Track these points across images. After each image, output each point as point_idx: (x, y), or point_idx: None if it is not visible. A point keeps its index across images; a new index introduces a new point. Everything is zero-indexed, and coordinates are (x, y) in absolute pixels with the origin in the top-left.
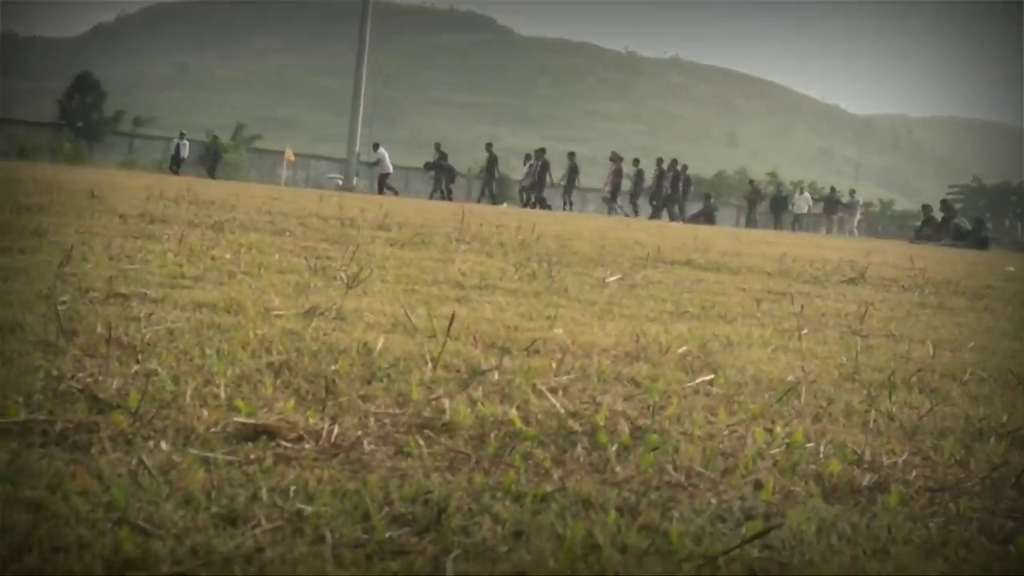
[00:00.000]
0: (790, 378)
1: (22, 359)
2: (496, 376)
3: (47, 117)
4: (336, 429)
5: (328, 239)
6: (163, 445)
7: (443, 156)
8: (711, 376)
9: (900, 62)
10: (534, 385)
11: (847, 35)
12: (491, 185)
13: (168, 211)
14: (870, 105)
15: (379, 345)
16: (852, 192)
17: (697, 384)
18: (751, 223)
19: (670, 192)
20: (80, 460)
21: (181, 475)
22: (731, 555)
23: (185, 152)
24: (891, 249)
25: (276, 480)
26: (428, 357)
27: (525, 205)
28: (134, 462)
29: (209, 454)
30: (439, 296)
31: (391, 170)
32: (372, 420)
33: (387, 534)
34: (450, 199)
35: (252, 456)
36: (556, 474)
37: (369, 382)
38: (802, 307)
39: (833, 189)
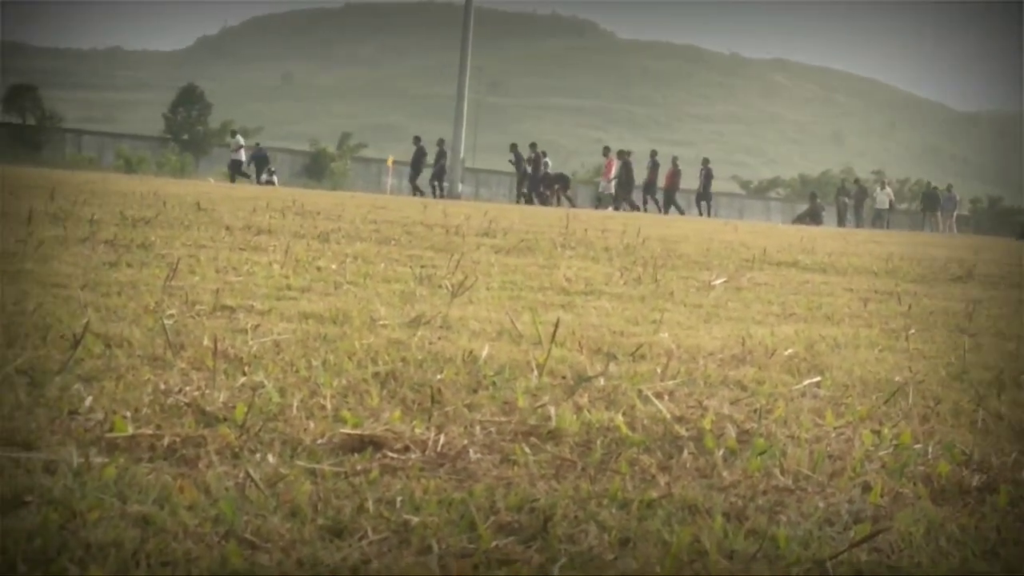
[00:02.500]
0: (897, 379)
1: (130, 374)
2: (602, 382)
3: (153, 130)
4: (442, 438)
5: (433, 247)
6: (270, 458)
7: (519, 158)
8: (818, 378)
9: (1004, 58)
10: (640, 390)
11: (949, 32)
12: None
13: (274, 222)
14: (975, 102)
15: (484, 353)
16: (949, 187)
17: (804, 387)
18: (860, 223)
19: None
20: (187, 474)
21: (288, 487)
22: (839, 559)
23: (243, 156)
24: (998, 246)
25: (382, 491)
26: (534, 364)
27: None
28: (241, 475)
29: (316, 466)
30: (544, 302)
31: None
32: (478, 429)
33: (493, 543)
34: (530, 202)
35: (358, 467)
36: (662, 480)
37: (475, 391)
38: (909, 307)
39: (929, 184)
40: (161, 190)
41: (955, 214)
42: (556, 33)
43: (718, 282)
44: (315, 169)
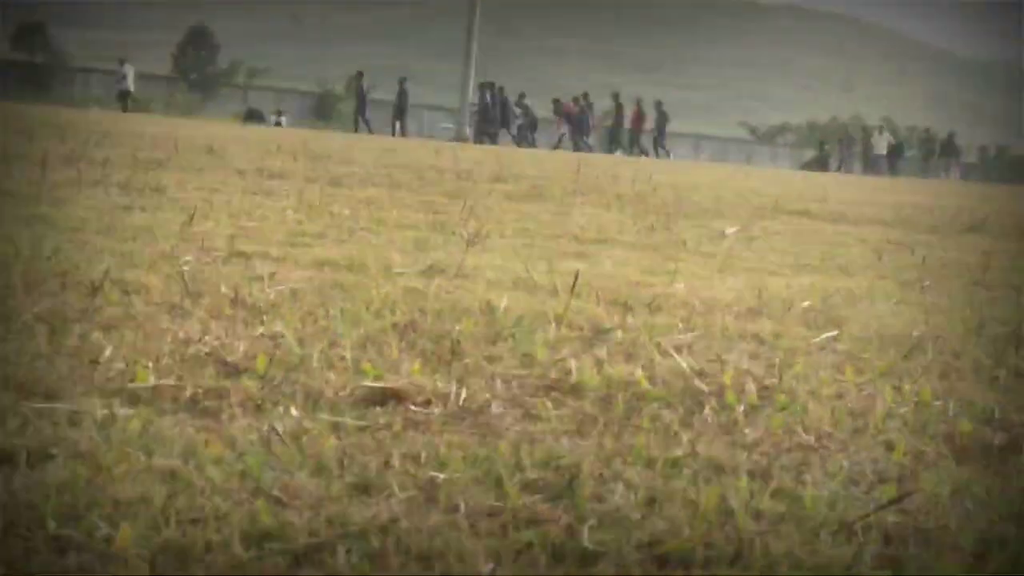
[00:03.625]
0: (915, 333)
1: (149, 322)
2: (620, 335)
3: (160, 70)
4: (464, 392)
5: (446, 193)
6: (292, 411)
7: (403, 92)
8: (835, 332)
9: (1015, 5)
10: (659, 344)
11: None
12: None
13: (285, 166)
14: (987, 50)
15: (502, 304)
16: (951, 135)
17: (822, 340)
18: (859, 168)
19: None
20: (211, 427)
21: (312, 442)
22: (867, 521)
23: (129, 84)
24: (1009, 195)
25: (407, 446)
26: (551, 315)
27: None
28: (265, 428)
29: (339, 419)
30: (558, 251)
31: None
32: (499, 382)
33: (520, 501)
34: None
35: (381, 421)
36: (685, 437)
37: (494, 342)
38: (923, 258)
39: (928, 131)
40: (172, 132)
41: (960, 161)
42: None
43: (731, 231)
44: (323, 110)
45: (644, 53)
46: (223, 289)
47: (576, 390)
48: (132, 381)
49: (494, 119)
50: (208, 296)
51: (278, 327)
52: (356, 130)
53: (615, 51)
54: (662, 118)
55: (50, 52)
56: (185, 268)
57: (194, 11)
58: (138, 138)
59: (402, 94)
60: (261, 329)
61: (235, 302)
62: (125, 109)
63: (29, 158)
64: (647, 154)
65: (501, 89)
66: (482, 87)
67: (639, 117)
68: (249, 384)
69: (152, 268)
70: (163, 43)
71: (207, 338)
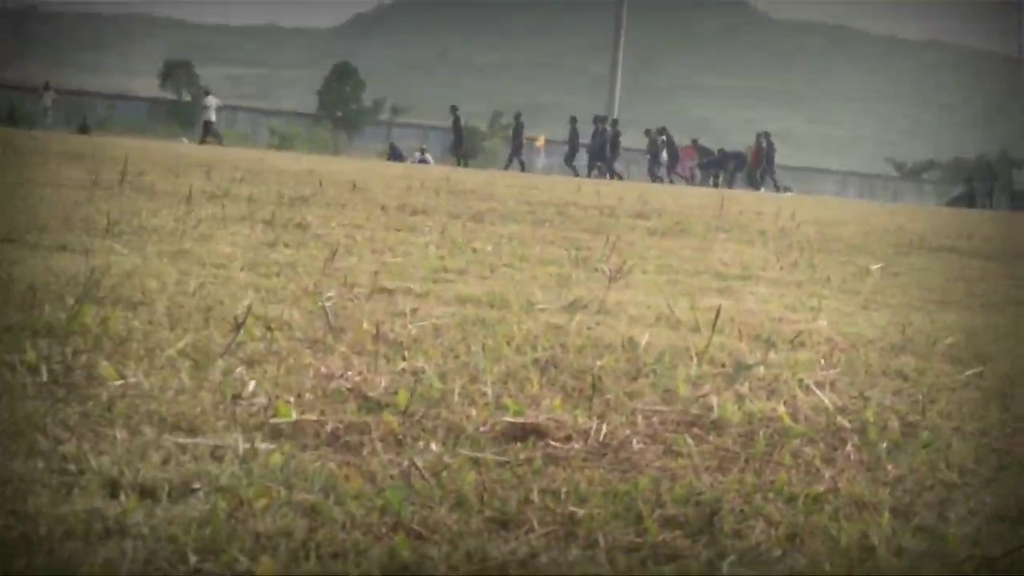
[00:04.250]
0: None
1: (292, 357)
2: (762, 371)
3: (305, 107)
4: (604, 428)
5: (587, 229)
6: (433, 446)
7: (456, 121)
8: (980, 368)
9: None
10: (801, 380)
11: None
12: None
13: (428, 202)
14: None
15: (643, 340)
16: None
17: (967, 377)
18: (995, 205)
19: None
20: (352, 462)
21: (452, 477)
22: (1011, 558)
23: (211, 115)
24: None
25: (547, 482)
26: (693, 351)
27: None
28: (405, 463)
29: (479, 455)
30: (701, 287)
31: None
32: (639, 418)
33: (660, 537)
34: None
35: (522, 456)
36: (827, 473)
37: (635, 378)
38: None
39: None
40: (316, 169)
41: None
42: (710, 13)
43: (876, 267)
44: (467, 147)
45: (785, 87)
46: (365, 325)
47: (717, 426)
48: (274, 416)
49: (598, 152)
50: (350, 332)
51: (420, 362)
52: (506, 167)
53: (755, 86)
54: (769, 149)
55: (197, 89)
56: (328, 304)
57: (340, 46)
58: (283, 175)
59: (518, 128)
60: (403, 365)
61: (377, 338)
62: (203, 141)
63: (174, 194)
64: (760, 189)
65: (615, 122)
66: (595, 120)
67: (759, 152)
68: (390, 419)
69: (295, 304)
70: (308, 80)
71: (349, 373)
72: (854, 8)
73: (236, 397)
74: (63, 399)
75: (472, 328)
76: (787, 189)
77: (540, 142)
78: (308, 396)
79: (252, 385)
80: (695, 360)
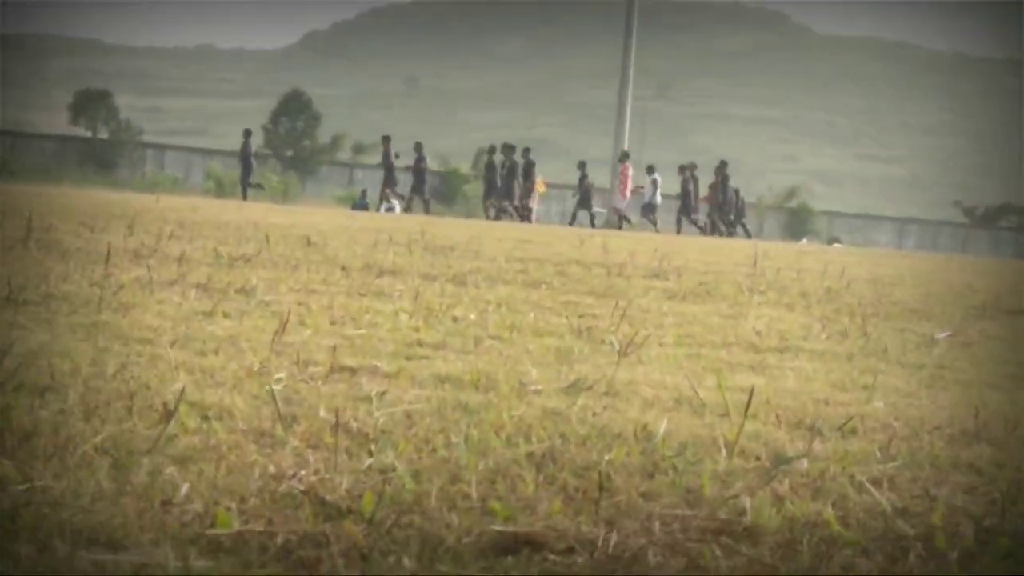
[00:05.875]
0: None
1: (233, 453)
2: (805, 465)
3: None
4: (614, 537)
5: (593, 292)
6: (405, 560)
7: (421, 159)
8: None
9: None
10: (852, 476)
11: None
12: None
13: (399, 260)
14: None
15: (661, 428)
16: None
17: None
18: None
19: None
20: None
21: None
22: None
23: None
24: None
25: None
26: (721, 442)
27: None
28: None
29: (462, 573)
30: (730, 362)
31: (658, 201)
32: (657, 524)
33: None
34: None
35: (514, 573)
36: None
37: (651, 475)
38: None
39: None
40: (262, 219)
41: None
42: (738, 28)
43: (942, 336)
44: (445, 193)
45: (832, 119)
46: (323, 412)
47: (751, 534)
48: (212, 526)
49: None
50: (304, 421)
51: (389, 458)
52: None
53: (795, 117)
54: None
55: (116, 125)
56: (277, 387)
57: (290, 71)
58: (221, 228)
59: (528, 167)
60: (368, 461)
61: (337, 428)
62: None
63: (90, 253)
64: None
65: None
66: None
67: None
68: (353, 529)
69: (237, 388)
70: (251, 112)
71: (303, 473)
72: (914, 21)
73: (166, 503)
74: None
75: (452, 415)
76: (835, 240)
77: (540, 187)
78: (253, 501)
79: (185, 488)
80: (724, 453)
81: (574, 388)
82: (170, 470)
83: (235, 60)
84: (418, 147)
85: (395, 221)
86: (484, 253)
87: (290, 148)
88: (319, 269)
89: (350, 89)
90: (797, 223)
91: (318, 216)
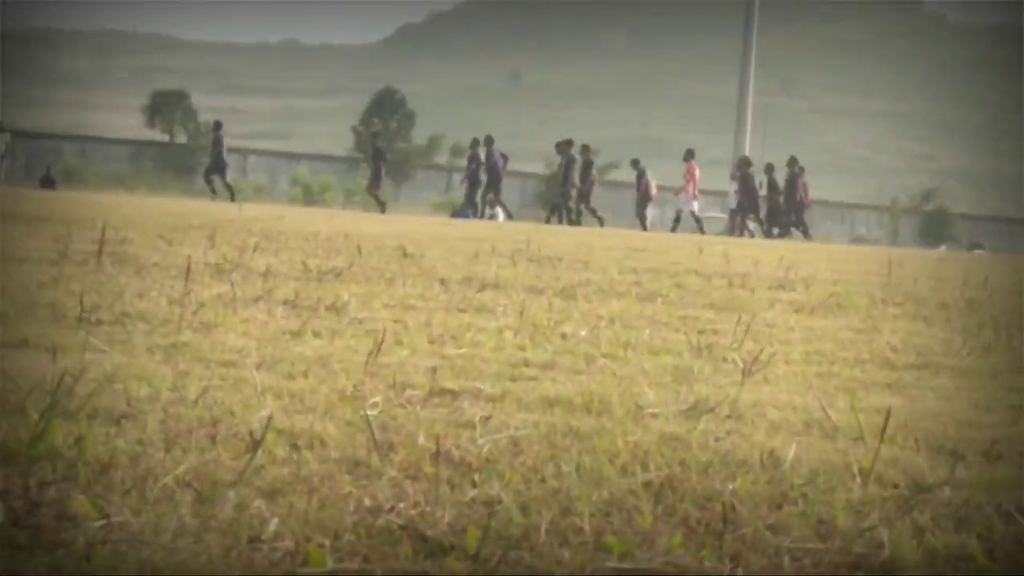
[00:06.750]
0: None
1: (326, 485)
2: (947, 493)
3: (339, 148)
4: (740, 573)
5: (713, 305)
6: None
7: (492, 156)
8: None
9: None
10: (999, 504)
11: None
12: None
13: (502, 272)
14: None
15: (789, 454)
16: None
17: None
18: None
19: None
20: None
21: None
22: None
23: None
24: None
25: None
26: (856, 468)
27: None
28: None
29: None
30: (863, 381)
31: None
32: (786, 559)
33: None
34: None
35: None
36: None
37: (779, 506)
38: None
39: None
40: (353, 229)
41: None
42: (865, 15)
43: None
44: (551, 197)
45: (973, 116)
46: (422, 440)
47: (889, 569)
48: (304, 565)
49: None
50: (402, 449)
51: (494, 489)
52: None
53: (928, 111)
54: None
55: (195, 128)
56: (372, 412)
57: (382, 68)
58: (309, 239)
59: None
60: (472, 493)
61: (437, 457)
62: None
63: (168, 268)
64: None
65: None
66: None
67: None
68: (457, 567)
69: (328, 414)
70: (340, 113)
71: (401, 506)
72: None
73: (253, 540)
74: (26, 546)
75: (563, 441)
76: (977, 246)
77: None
78: (348, 537)
79: (274, 524)
80: (858, 480)
81: (694, 411)
82: (257, 504)
83: (322, 56)
84: (488, 141)
85: (498, 230)
86: (594, 264)
87: (383, 150)
88: (416, 283)
89: (447, 86)
90: (935, 228)
91: (414, 224)
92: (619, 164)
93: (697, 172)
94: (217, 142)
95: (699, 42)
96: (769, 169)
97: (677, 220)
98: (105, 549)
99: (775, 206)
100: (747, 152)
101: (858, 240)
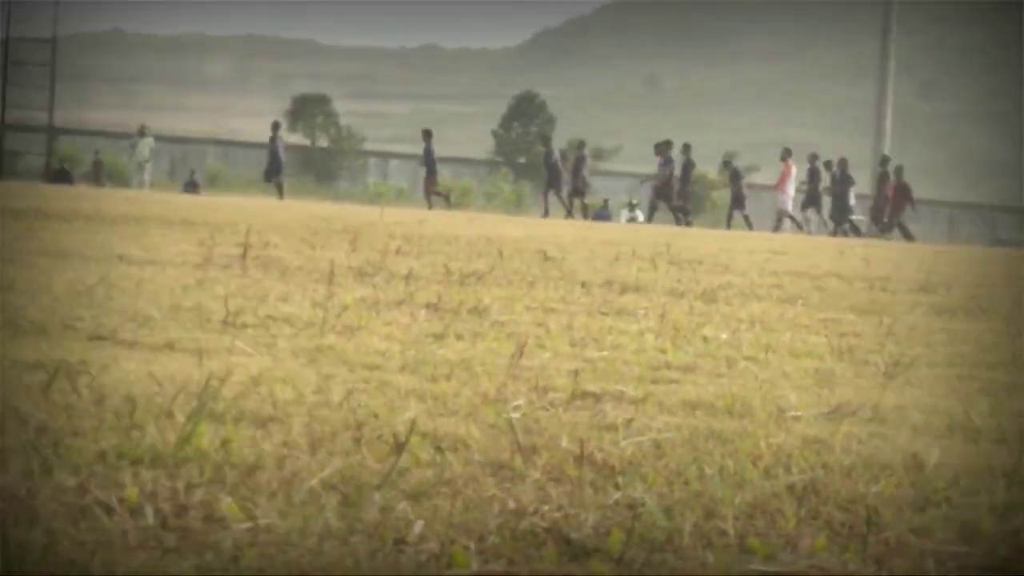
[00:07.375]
0: None
1: (470, 487)
2: None
3: (478, 152)
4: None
5: (854, 308)
6: None
7: (582, 159)
8: None
9: None
10: None
11: None
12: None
13: (643, 275)
14: None
15: (933, 457)
16: None
17: None
18: None
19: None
20: None
21: None
22: None
23: (142, 155)
24: None
25: None
26: (999, 471)
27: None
28: None
29: None
30: (1006, 384)
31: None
32: (931, 562)
33: None
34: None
35: None
36: None
37: (923, 509)
38: None
39: None
40: (494, 232)
41: None
42: (1009, 17)
43: None
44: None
45: None
46: (565, 442)
47: None
48: (449, 567)
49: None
50: (545, 452)
51: (637, 492)
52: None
53: None
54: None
55: (337, 132)
56: (515, 415)
57: (521, 72)
58: (450, 243)
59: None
60: (616, 495)
61: (581, 459)
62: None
63: (311, 272)
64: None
65: (827, 164)
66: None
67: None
68: (601, 569)
69: (472, 416)
70: (481, 117)
71: (545, 508)
72: None
73: (399, 542)
74: (174, 548)
75: (705, 444)
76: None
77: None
78: (493, 539)
79: (419, 526)
80: (1002, 483)
81: (837, 414)
82: (402, 506)
83: (462, 61)
84: (580, 146)
85: (637, 232)
86: (734, 267)
87: (523, 154)
88: (557, 286)
89: (586, 90)
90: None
91: (555, 228)
92: (759, 168)
93: (794, 171)
94: (273, 142)
95: (835, 46)
96: (828, 165)
97: (780, 220)
98: (253, 551)
99: (839, 198)
100: (886, 154)
101: (999, 243)
